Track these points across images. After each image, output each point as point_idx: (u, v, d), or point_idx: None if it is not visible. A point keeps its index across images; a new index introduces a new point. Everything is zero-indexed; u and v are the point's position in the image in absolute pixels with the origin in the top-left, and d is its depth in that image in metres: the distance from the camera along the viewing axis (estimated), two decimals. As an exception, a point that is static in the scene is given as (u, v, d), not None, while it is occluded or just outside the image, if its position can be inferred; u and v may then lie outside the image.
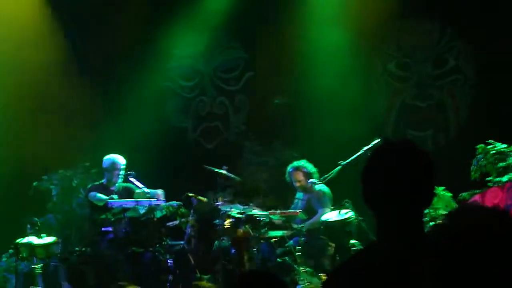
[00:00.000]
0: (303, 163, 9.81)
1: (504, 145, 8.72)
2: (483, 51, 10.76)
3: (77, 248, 9.51)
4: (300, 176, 9.71)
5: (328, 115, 11.50)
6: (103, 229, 9.49)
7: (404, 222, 2.64)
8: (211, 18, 12.50)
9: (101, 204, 9.52)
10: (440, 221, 2.28)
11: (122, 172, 9.95)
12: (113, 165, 9.97)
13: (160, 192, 9.62)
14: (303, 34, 11.75)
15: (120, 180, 9.98)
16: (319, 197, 9.59)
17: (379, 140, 9.10)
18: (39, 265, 8.97)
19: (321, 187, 9.60)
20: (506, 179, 8.42)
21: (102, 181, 10.06)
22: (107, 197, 9.54)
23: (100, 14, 12.72)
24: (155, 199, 9.43)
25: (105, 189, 9.88)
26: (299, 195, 9.86)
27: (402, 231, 2.63)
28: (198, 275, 9.43)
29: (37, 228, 9.22)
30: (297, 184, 9.78)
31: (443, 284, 2.06)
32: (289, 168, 9.87)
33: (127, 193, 9.85)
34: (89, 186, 10.17)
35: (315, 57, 11.67)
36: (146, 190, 9.52)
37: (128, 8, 12.69)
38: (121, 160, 10.01)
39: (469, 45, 10.98)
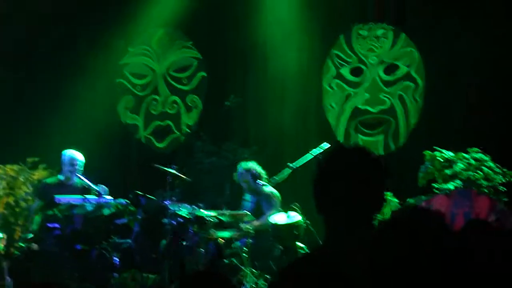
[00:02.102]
0: (251, 164, 9.82)
1: (451, 153, 8.85)
2: (434, 58, 10.91)
3: (22, 244, 9.38)
4: (248, 177, 9.72)
5: (279, 116, 11.55)
6: (49, 225, 9.38)
7: (353, 226, 2.66)
8: (166, 16, 12.47)
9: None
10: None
11: (80, 169, 9.85)
12: (71, 161, 9.87)
13: (102, 187, 9.55)
14: (257, 35, 11.77)
15: (75, 177, 9.86)
16: (268, 199, 9.60)
17: (329, 144, 9.19)
18: (-17, 261, 8.86)
19: (270, 189, 9.63)
20: (452, 186, 8.55)
21: (59, 176, 9.96)
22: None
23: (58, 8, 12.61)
24: (104, 196, 9.36)
25: (62, 186, 9.79)
26: (247, 196, 9.87)
27: (352, 234, 2.65)
28: (145, 274, 9.39)
29: (-19, 222, 9.10)
30: (245, 185, 9.80)
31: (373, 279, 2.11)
32: (238, 169, 9.87)
33: (85, 191, 9.71)
34: (46, 181, 10.04)
35: (268, 59, 11.71)
36: (94, 186, 9.44)
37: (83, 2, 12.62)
38: (79, 156, 9.92)
39: (420, 52, 11.11)
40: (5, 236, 9.36)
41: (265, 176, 9.68)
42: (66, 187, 9.74)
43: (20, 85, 12.42)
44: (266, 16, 11.72)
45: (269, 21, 11.70)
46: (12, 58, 12.45)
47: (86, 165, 9.91)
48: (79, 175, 9.67)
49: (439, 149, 8.94)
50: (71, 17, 12.50)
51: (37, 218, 9.65)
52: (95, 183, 9.54)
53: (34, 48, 12.59)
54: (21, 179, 11.45)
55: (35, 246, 9.17)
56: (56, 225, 9.25)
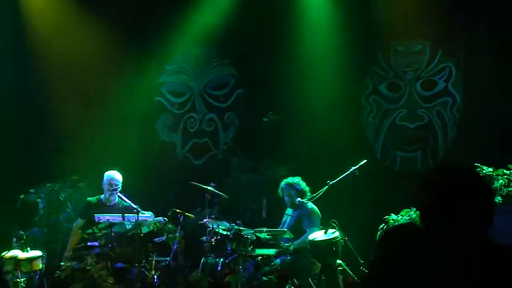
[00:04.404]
0: (297, 180, 9.80)
1: (491, 169, 8.74)
2: (472, 74, 10.83)
3: (62, 263, 9.44)
4: (292, 191, 9.70)
5: (317, 133, 11.51)
6: (89, 243, 9.45)
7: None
8: (203, 34, 12.53)
9: None
10: None
11: (118, 189, 9.91)
12: (110, 181, 9.95)
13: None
14: (293, 52, 11.78)
15: (116, 197, 9.92)
16: (310, 215, 9.55)
17: (366, 160, 9.16)
18: (23, 279, 8.91)
19: (312, 205, 9.58)
20: (493, 203, 8.43)
21: (101, 196, 10.05)
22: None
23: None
24: (145, 215, 9.41)
25: (103, 206, 9.86)
26: (289, 211, 9.84)
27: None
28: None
29: (22, 241, 9.16)
30: (288, 199, 9.77)
31: None
32: (282, 183, 9.84)
33: (126, 212, 9.74)
34: (89, 199, 10.12)
35: (305, 76, 11.69)
36: (133, 205, 9.46)
37: (120, 22, 12.75)
38: (118, 176, 9.99)
39: (458, 67, 11.04)
40: (45, 255, 9.42)
41: (309, 193, 9.64)
42: (107, 207, 9.82)
43: (61, 104, 12.54)
44: (303, 34, 11.73)
45: (306, 39, 11.71)
46: (57, 76, 12.62)
47: (125, 183, 9.97)
48: (119, 194, 9.75)
49: (478, 165, 8.84)
50: (110, 35, 12.64)
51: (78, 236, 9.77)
52: (135, 202, 9.56)
53: (75, 68, 12.75)
54: (61, 197, 11.57)
55: (75, 264, 9.21)
56: (96, 244, 9.31)
